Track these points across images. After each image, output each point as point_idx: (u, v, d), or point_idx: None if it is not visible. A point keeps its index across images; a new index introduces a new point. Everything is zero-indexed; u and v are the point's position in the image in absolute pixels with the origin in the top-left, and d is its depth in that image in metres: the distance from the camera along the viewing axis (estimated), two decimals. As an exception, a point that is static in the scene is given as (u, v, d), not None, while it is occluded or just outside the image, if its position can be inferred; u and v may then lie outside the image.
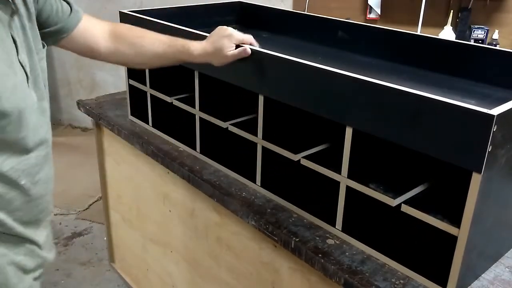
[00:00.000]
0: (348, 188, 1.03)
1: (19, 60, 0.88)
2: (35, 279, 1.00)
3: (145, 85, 1.58)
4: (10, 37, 0.87)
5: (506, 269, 1.00)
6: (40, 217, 0.98)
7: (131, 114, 1.70)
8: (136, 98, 1.65)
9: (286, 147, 1.16)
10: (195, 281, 1.57)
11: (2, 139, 0.85)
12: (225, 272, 1.40)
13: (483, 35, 2.62)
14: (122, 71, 1.70)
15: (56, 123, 4.00)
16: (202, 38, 1.28)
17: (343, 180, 1.04)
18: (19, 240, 0.94)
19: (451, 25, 2.61)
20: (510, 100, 0.83)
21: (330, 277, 1.00)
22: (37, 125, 0.92)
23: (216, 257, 1.42)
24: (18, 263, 0.94)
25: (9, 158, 0.87)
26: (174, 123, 1.58)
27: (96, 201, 2.90)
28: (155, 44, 1.17)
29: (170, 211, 1.58)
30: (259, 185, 1.26)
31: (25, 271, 0.96)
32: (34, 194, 0.94)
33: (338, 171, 1.04)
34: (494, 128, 0.76)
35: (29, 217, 0.95)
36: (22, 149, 0.89)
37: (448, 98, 0.82)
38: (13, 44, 0.87)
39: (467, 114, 0.79)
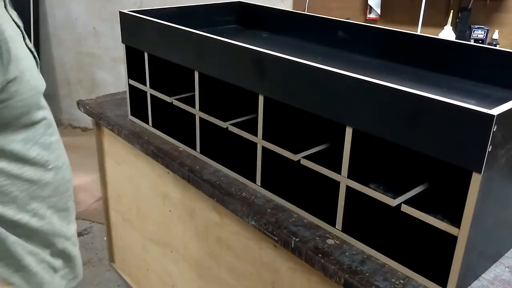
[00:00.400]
0: (348, 188, 1.03)
1: (26, 44, 0.88)
2: (62, 277, 1.00)
3: (145, 85, 1.58)
4: (13, 22, 0.87)
5: (506, 269, 1.00)
6: (69, 205, 1.00)
7: (131, 114, 1.70)
8: (136, 98, 1.65)
9: (286, 147, 1.16)
10: (195, 281, 1.57)
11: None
12: (225, 272, 1.40)
13: (483, 35, 2.62)
14: (122, 71, 1.70)
15: (56, 123, 3.97)
16: (202, 38, 1.28)
17: (343, 180, 1.04)
18: (51, 236, 0.95)
19: (451, 25, 2.62)
20: (510, 100, 0.83)
21: (330, 277, 1.00)
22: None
23: (216, 257, 1.42)
24: (48, 262, 0.95)
25: (35, 144, 0.89)
26: (174, 123, 1.58)
27: (96, 201, 2.90)
28: None
29: (170, 211, 1.58)
30: (259, 185, 1.26)
31: (55, 269, 0.97)
32: (62, 179, 0.96)
33: (338, 171, 1.04)
34: (494, 128, 0.76)
35: (61, 204, 0.96)
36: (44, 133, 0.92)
37: (448, 98, 0.82)
38: (18, 29, 0.87)
39: (467, 114, 0.79)
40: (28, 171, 0.88)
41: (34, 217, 0.90)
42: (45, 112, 0.94)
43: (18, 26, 0.88)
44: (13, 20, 0.86)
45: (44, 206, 0.92)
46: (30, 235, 0.90)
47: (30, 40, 0.95)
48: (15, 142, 0.86)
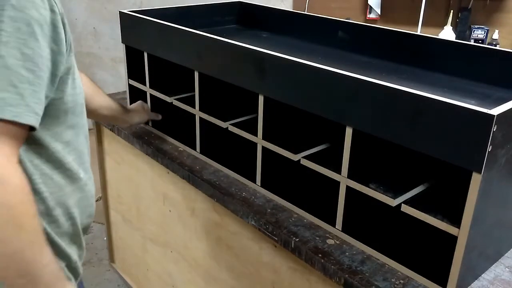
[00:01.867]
0: (348, 188, 1.03)
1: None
2: None
3: (145, 85, 1.57)
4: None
5: (506, 269, 1.00)
6: (85, 223, 0.98)
7: (131, 114, 1.70)
8: (136, 98, 1.64)
9: (286, 147, 1.16)
10: (195, 281, 1.57)
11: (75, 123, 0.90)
12: (225, 272, 1.40)
13: (483, 35, 2.62)
14: (122, 71, 1.70)
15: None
16: (202, 38, 1.28)
17: (343, 180, 1.04)
18: (71, 249, 0.94)
19: (451, 25, 2.61)
20: (510, 100, 0.83)
21: (330, 277, 1.00)
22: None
23: (216, 257, 1.42)
24: (68, 275, 0.93)
25: (74, 150, 0.89)
26: (174, 123, 1.58)
27: (96, 201, 2.90)
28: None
29: (170, 211, 1.58)
30: (259, 185, 1.26)
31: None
32: (88, 192, 0.96)
33: (338, 171, 1.04)
34: (494, 128, 0.76)
35: (89, 217, 0.97)
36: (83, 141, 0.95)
37: (448, 98, 0.82)
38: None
39: (467, 114, 0.79)
40: (61, 174, 0.87)
41: (52, 223, 0.88)
42: (85, 121, 0.95)
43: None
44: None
45: (80, 217, 0.92)
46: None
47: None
48: (59, 141, 0.86)
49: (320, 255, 1.02)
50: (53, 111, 0.83)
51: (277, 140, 1.19)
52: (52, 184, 0.86)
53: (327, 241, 1.07)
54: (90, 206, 0.98)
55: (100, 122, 1.79)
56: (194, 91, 1.38)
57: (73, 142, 0.89)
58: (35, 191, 0.82)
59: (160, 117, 1.58)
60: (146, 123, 1.62)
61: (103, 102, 1.34)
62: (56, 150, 0.85)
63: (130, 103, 1.69)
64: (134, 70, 1.62)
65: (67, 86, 0.85)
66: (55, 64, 0.78)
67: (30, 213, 0.72)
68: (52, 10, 0.78)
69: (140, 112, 1.53)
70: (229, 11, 1.87)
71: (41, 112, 0.75)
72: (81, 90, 0.91)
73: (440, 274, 0.93)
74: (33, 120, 0.72)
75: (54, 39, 0.77)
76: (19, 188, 0.71)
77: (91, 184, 0.97)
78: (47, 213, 0.86)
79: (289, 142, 1.18)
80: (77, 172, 0.91)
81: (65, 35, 0.80)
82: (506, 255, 1.04)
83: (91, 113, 1.28)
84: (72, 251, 0.94)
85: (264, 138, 1.20)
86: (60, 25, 0.79)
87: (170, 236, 1.63)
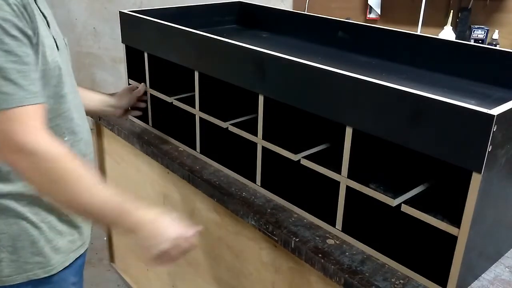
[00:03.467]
0: (348, 188, 1.03)
1: (50, 30, 0.96)
2: (70, 242, 1.08)
3: (145, 85, 1.57)
4: (40, 11, 0.94)
5: (506, 269, 1.00)
6: None
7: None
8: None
9: (286, 147, 1.16)
10: (195, 281, 1.57)
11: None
12: (225, 272, 1.40)
13: (483, 35, 2.62)
14: (122, 71, 1.70)
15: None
16: (202, 38, 1.28)
17: (343, 180, 1.04)
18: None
19: (451, 25, 2.61)
20: (510, 100, 0.83)
21: (330, 277, 1.00)
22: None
23: (216, 257, 1.42)
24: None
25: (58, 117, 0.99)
26: (174, 123, 1.58)
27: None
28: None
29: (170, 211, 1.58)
30: (259, 185, 1.26)
31: (60, 233, 1.06)
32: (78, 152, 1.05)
33: (338, 171, 1.04)
34: (494, 128, 0.76)
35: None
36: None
37: (448, 98, 0.82)
38: (43, 17, 0.95)
39: (467, 114, 0.79)
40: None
41: None
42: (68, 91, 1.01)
43: (44, 15, 0.95)
44: (40, 10, 0.94)
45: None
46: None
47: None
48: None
49: (320, 255, 1.02)
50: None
51: (277, 140, 1.19)
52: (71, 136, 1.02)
53: (327, 241, 1.07)
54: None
55: (96, 119, 1.79)
56: (194, 91, 1.38)
57: (56, 110, 0.99)
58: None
59: (142, 90, 1.56)
60: (146, 121, 1.62)
61: (85, 98, 1.34)
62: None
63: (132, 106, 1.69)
64: (134, 70, 1.62)
65: (45, 54, 0.92)
66: (30, 38, 0.87)
67: (72, 168, 0.88)
68: None
69: (127, 94, 1.54)
70: (229, 11, 1.87)
71: (37, 89, 0.86)
72: (57, 62, 0.96)
73: (440, 274, 0.93)
74: (36, 100, 0.85)
75: (20, 19, 0.84)
76: (55, 153, 0.86)
77: (80, 145, 1.06)
78: None
79: (289, 142, 1.18)
80: (62, 135, 1.01)
81: (25, 8, 0.86)
82: (506, 255, 1.04)
83: None
84: None
85: (264, 138, 1.20)
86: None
87: (170, 236, 1.63)
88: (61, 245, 1.04)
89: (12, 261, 0.98)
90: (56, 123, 0.98)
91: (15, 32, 0.82)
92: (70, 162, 0.88)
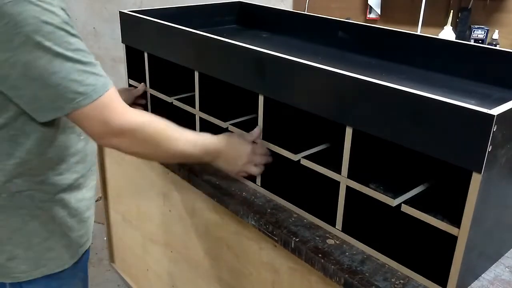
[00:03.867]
0: (348, 188, 1.03)
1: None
2: (78, 237, 1.12)
3: (145, 85, 1.57)
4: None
5: (506, 269, 1.00)
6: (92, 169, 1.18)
7: (131, 114, 1.69)
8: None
9: (286, 147, 1.16)
10: (195, 281, 1.57)
11: None
12: (225, 272, 1.40)
13: (483, 35, 2.62)
14: (122, 71, 1.70)
15: (56, 123, 3.98)
16: (202, 38, 1.28)
17: (343, 180, 1.04)
18: None
19: (451, 25, 2.61)
20: (510, 100, 0.83)
21: (330, 277, 1.00)
22: None
23: (216, 257, 1.42)
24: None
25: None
26: (174, 123, 1.57)
27: (96, 201, 2.89)
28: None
29: (170, 211, 1.58)
30: (259, 185, 1.26)
31: (69, 228, 1.10)
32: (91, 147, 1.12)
33: (338, 171, 1.04)
34: (494, 128, 0.76)
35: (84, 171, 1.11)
36: None
37: (448, 98, 0.82)
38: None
39: (467, 114, 0.79)
40: (62, 137, 1.01)
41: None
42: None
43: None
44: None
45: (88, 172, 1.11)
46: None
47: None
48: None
49: (320, 255, 1.02)
50: None
51: (277, 140, 1.19)
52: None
53: (327, 241, 1.07)
54: (94, 164, 1.17)
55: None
56: (194, 91, 1.38)
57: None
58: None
59: (141, 89, 1.59)
60: None
61: None
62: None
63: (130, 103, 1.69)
64: (134, 70, 1.62)
65: None
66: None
67: (162, 127, 1.06)
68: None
69: (125, 93, 1.55)
70: (229, 11, 1.87)
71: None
72: None
73: (440, 274, 0.93)
74: (111, 82, 0.95)
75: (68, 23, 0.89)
76: (146, 121, 1.01)
77: (93, 142, 1.12)
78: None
79: (289, 142, 1.18)
80: (80, 134, 1.07)
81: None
82: (506, 255, 1.04)
83: None
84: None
85: (264, 138, 1.20)
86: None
87: (170, 236, 1.63)
88: (71, 241, 1.07)
89: (27, 257, 1.01)
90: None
91: (74, 31, 0.89)
92: (158, 123, 1.04)
